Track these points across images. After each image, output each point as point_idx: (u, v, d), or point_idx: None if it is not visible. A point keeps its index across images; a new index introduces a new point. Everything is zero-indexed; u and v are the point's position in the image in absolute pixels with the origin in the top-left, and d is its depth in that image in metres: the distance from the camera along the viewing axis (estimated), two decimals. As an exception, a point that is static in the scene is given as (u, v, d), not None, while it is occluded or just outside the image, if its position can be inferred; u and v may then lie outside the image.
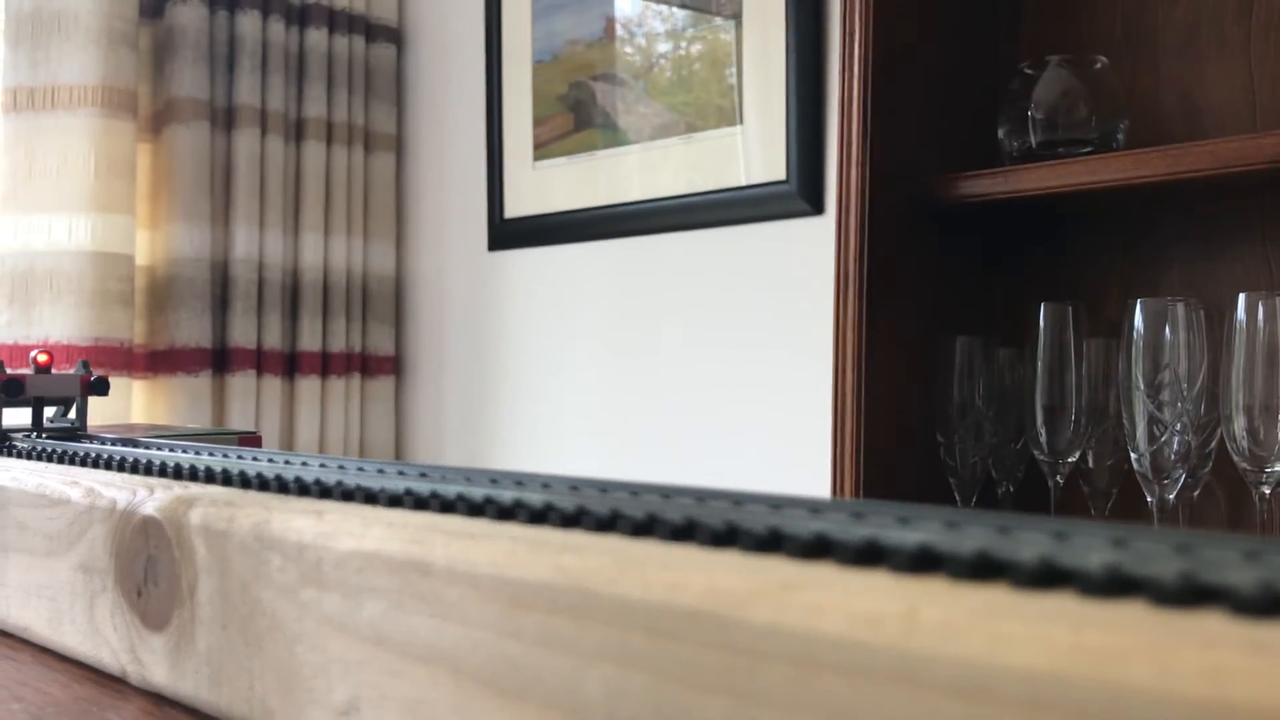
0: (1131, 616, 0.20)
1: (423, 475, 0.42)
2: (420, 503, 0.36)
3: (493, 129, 1.97)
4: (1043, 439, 1.09)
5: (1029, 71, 1.14)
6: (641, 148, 1.75)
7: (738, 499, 0.34)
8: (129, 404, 1.81)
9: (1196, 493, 1.04)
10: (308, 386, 2.00)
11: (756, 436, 1.61)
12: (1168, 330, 0.99)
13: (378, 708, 0.32)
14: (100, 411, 1.64)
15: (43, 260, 1.73)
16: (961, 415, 1.14)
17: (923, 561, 0.25)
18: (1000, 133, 1.16)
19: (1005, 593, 0.23)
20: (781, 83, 1.57)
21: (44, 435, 0.65)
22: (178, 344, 1.85)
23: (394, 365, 2.14)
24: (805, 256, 1.55)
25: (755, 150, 1.61)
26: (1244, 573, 0.22)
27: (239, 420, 1.90)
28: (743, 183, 1.62)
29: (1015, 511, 0.44)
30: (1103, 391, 1.08)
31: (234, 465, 0.46)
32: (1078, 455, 1.08)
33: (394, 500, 0.37)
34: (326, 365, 2.03)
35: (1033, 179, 1.08)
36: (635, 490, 0.36)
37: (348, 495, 0.38)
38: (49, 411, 0.67)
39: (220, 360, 1.91)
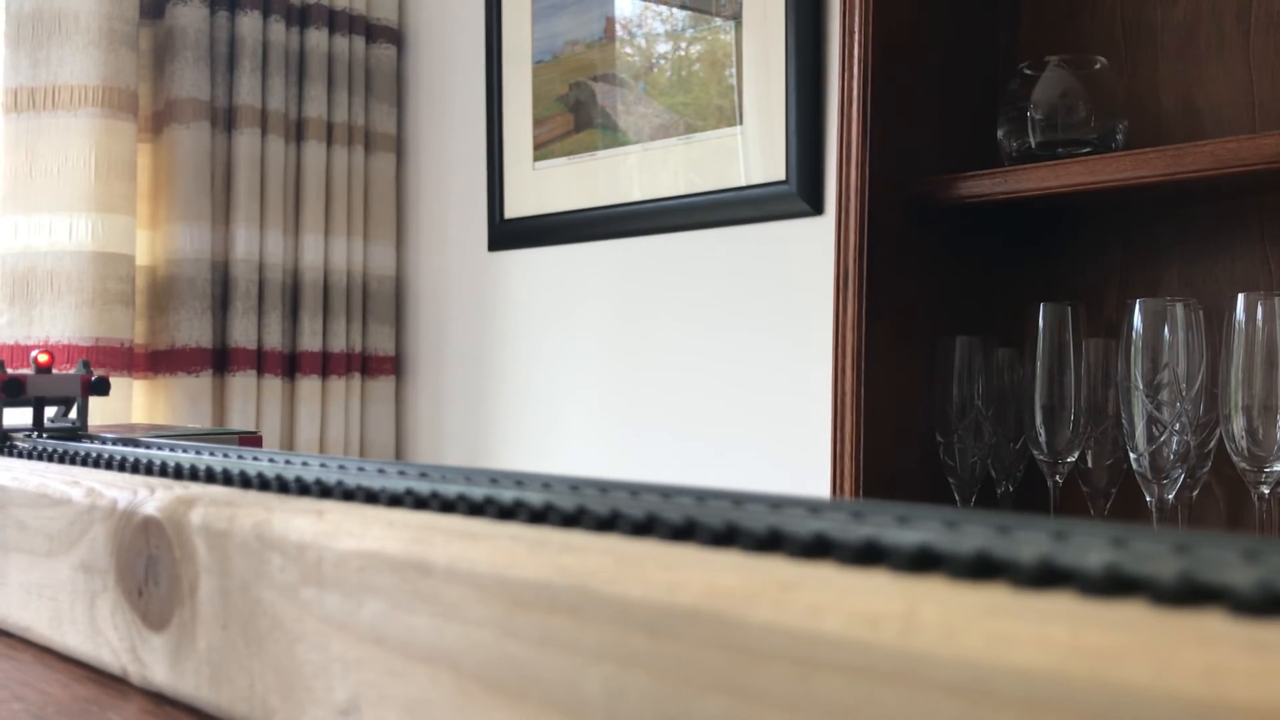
0: (1130, 616, 0.20)
1: (423, 475, 0.42)
2: (420, 502, 0.36)
3: (493, 129, 1.97)
4: (1042, 439, 1.09)
5: (1028, 72, 1.14)
6: (641, 148, 1.75)
7: (737, 499, 0.34)
8: (129, 404, 1.81)
9: (1195, 493, 1.04)
10: (308, 386, 2.00)
11: (756, 436, 1.61)
12: (1167, 330, 0.99)
13: (378, 707, 0.32)
14: (101, 411, 1.64)
15: (43, 260, 1.74)
16: (961, 415, 1.14)
17: (922, 561, 0.25)
18: (999, 133, 1.16)
19: (1004, 592, 0.23)
20: (781, 83, 1.57)
21: (45, 435, 0.65)
22: (178, 344, 1.85)
23: (394, 365, 2.14)
24: (805, 256, 1.55)
25: (755, 150, 1.61)
26: (1243, 572, 0.22)
27: (239, 420, 1.90)
28: (742, 183, 1.62)
29: (1014, 511, 0.44)
30: (1102, 391, 1.08)
31: (234, 465, 0.46)
32: (1077, 455, 1.09)
33: (394, 500, 0.37)
34: (327, 365, 2.03)
35: (1032, 179, 1.08)
36: (635, 490, 0.36)
37: (348, 495, 0.38)
38: (50, 411, 0.68)
39: (220, 360, 1.91)
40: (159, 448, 0.58)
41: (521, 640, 0.28)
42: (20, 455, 0.59)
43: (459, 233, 2.06)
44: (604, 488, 0.37)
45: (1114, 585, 0.22)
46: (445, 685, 0.30)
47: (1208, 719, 0.17)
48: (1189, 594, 0.21)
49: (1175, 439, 0.98)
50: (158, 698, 0.41)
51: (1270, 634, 0.19)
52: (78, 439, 0.64)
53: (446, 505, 0.35)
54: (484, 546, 0.30)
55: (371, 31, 2.11)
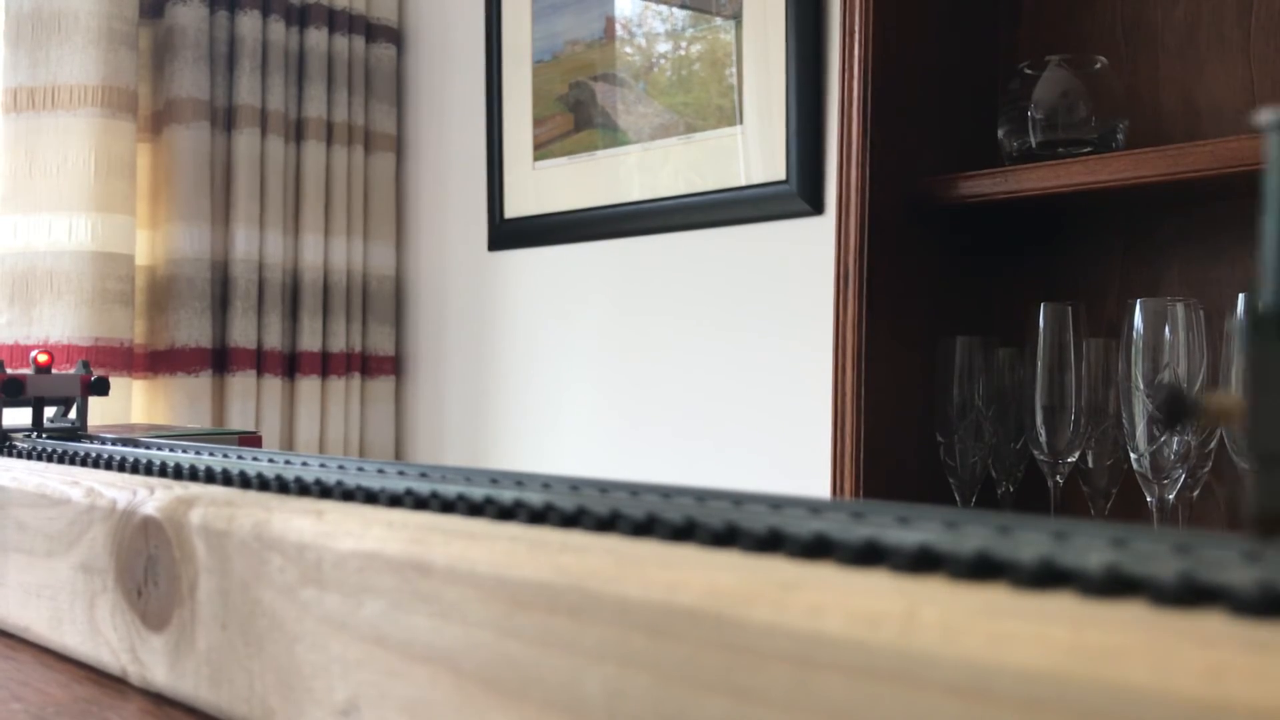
0: (1131, 616, 0.20)
1: (423, 475, 0.42)
2: (420, 503, 0.36)
3: (493, 129, 1.97)
4: (1042, 439, 1.09)
5: (1029, 71, 1.14)
6: (641, 148, 1.75)
7: (738, 499, 0.34)
8: (129, 404, 1.81)
9: (1196, 493, 1.04)
10: (308, 386, 2.00)
11: (756, 436, 1.61)
12: (1167, 330, 0.99)
13: (378, 707, 0.32)
14: (100, 411, 1.64)
15: (43, 260, 1.74)
16: (961, 415, 1.14)
17: (922, 561, 0.25)
18: (1000, 133, 1.16)
19: (1005, 592, 0.23)
20: (781, 83, 1.57)
21: (44, 435, 0.65)
22: (178, 344, 1.85)
23: (394, 365, 2.14)
24: (805, 256, 1.55)
25: (755, 150, 1.61)
26: (1243, 573, 0.22)
27: (239, 420, 1.90)
28: (743, 183, 1.62)
29: (1015, 511, 0.44)
30: (1102, 391, 1.08)
31: (234, 465, 0.46)
32: (1077, 455, 1.08)
33: (394, 500, 0.37)
34: (326, 365, 2.03)
35: (1032, 179, 1.08)
36: (635, 490, 0.36)
37: (348, 495, 0.38)
38: (49, 411, 0.67)
39: (220, 360, 1.91)
40: (158, 448, 0.58)
41: (521, 640, 0.28)
42: (20, 455, 0.59)
43: (459, 233, 2.06)
44: (604, 488, 0.37)
45: (1114, 585, 0.22)
46: (445, 685, 0.30)
47: (1208, 719, 0.17)
48: (1189, 594, 0.21)
49: (1176, 439, 0.98)
50: (157, 698, 0.41)
51: (1270, 634, 0.19)
52: (77, 439, 0.64)
53: (446, 505, 0.35)
54: (484, 547, 0.30)
55: (371, 31, 2.11)
